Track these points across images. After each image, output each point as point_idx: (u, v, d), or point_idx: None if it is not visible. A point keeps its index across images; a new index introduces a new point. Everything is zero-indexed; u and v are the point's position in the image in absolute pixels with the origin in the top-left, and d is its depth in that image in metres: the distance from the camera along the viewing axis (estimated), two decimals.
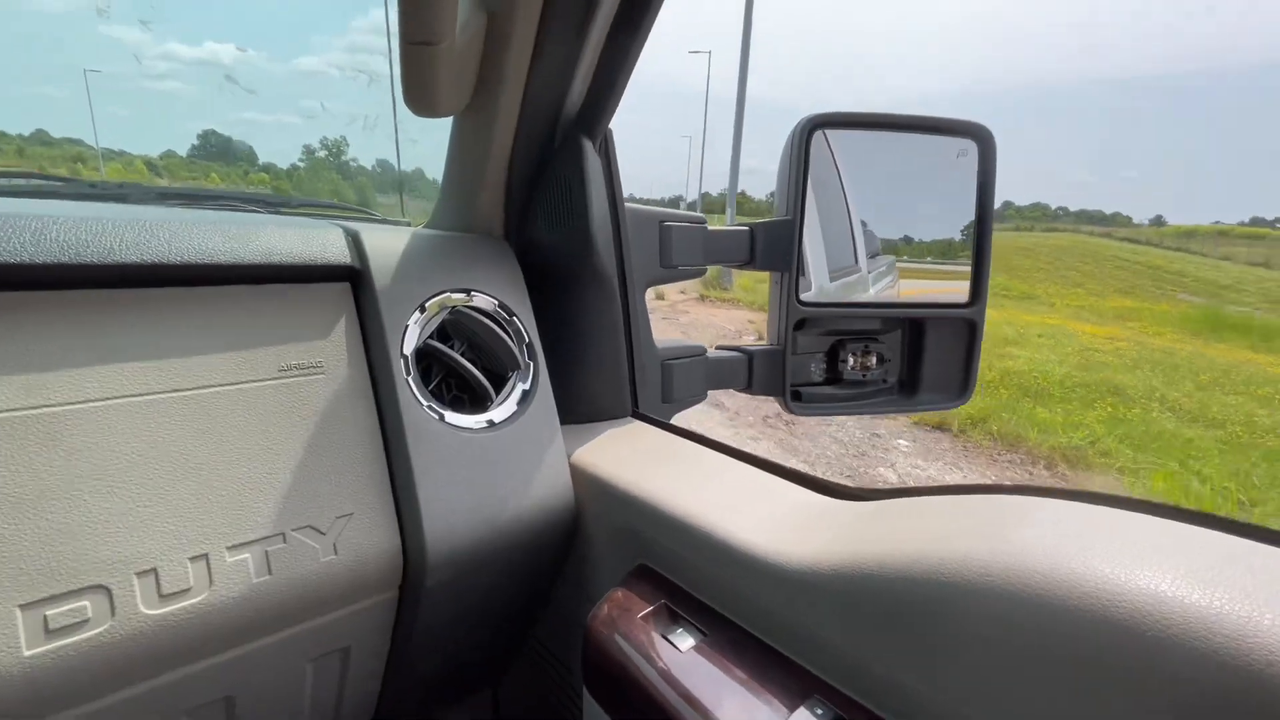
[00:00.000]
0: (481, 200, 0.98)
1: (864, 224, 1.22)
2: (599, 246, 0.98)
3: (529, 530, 0.84)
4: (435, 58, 0.69)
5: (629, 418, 1.08)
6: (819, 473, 4.23)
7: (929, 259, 1.22)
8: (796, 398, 1.23)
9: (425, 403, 0.81)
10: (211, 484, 0.68)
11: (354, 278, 0.83)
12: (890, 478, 4.90)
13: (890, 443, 5.75)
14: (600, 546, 0.87)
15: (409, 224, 1.46)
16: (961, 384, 1.25)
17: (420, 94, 0.74)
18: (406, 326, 0.82)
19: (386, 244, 0.85)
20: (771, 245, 1.17)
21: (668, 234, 1.11)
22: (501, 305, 0.90)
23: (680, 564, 0.74)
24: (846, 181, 1.19)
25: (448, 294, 0.86)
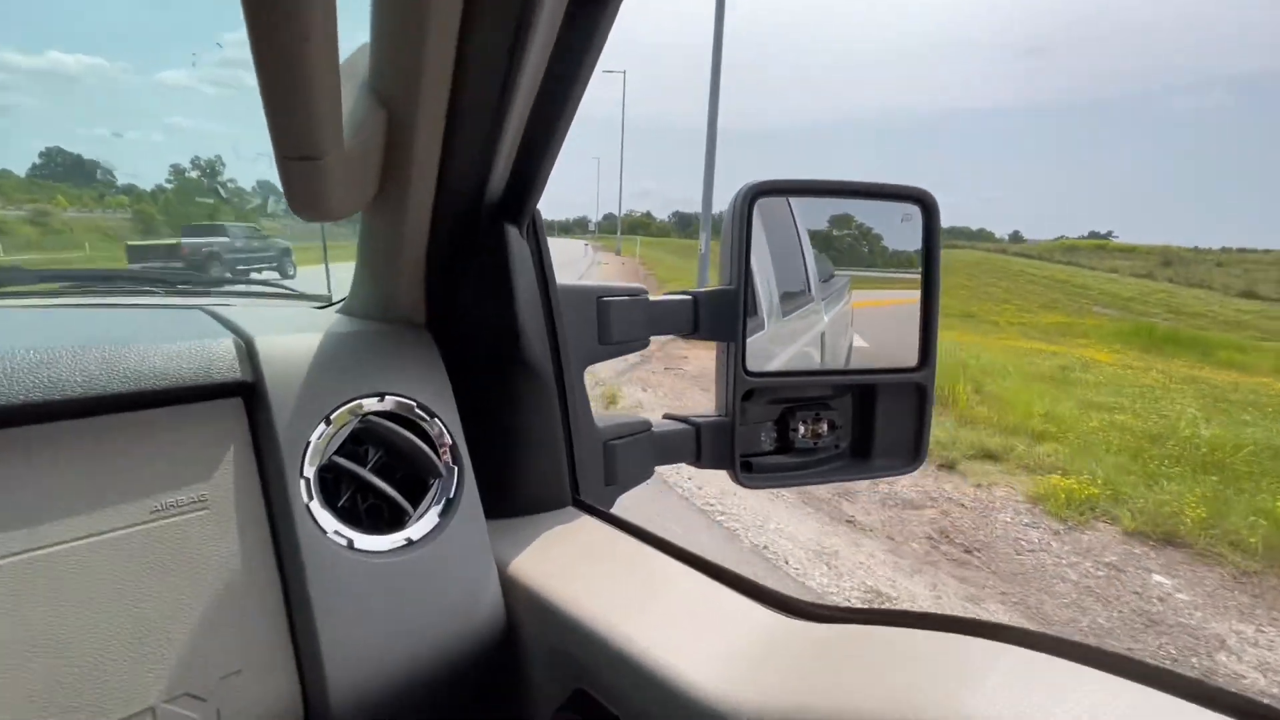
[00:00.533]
0: (399, 288, 0.91)
1: (815, 255, 1.19)
2: (529, 332, 0.91)
3: (455, 660, 0.77)
4: (322, 171, 0.61)
5: (569, 507, 1.01)
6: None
7: (881, 268, 1.20)
8: (747, 468, 1.19)
9: (330, 529, 0.73)
10: (66, 660, 0.60)
11: (247, 392, 0.75)
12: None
13: (1145, 580, 4.16)
14: (536, 668, 0.81)
15: (328, 299, 1.40)
16: (914, 449, 1.22)
17: (309, 203, 0.66)
18: (309, 443, 0.75)
19: (286, 348, 0.78)
20: (715, 315, 1.13)
21: (605, 310, 1.07)
22: (421, 406, 0.83)
23: (620, 695, 0.68)
24: (796, 214, 1.16)
25: (357, 401, 0.79)
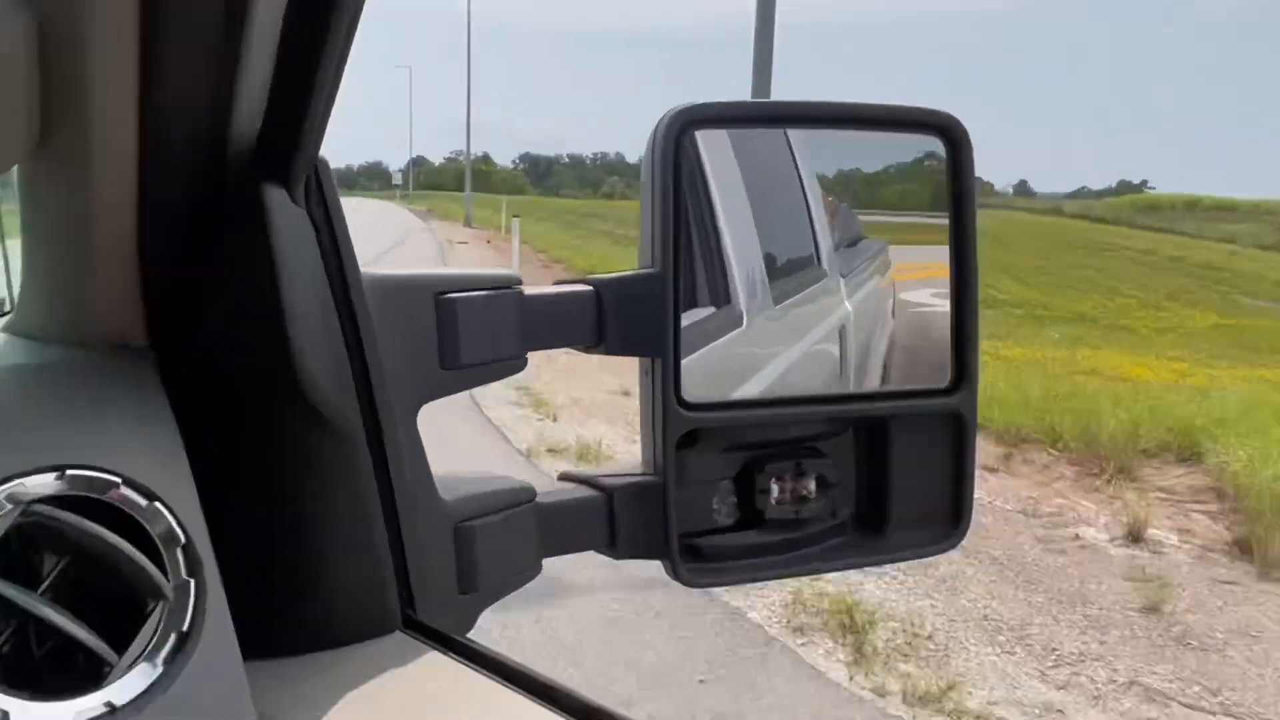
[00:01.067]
0: (96, 289, 0.67)
1: (833, 205, 0.80)
2: (311, 356, 0.61)
3: None
4: None
5: (396, 632, 0.68)
6: None
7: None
8: (693, 554, 0.78)
9: None
10: None
11: None
12: None
13: None
14: None
15: None
16: (951, 513, 0.81)
17: None
18: None
19: None
20: (631, 315, 0.74)
21: (449, 314, 0.68)
22: (131, 484, 0.58)
23: None
24: (797, 150, 0.79)
25: (16, 482, 0.56)
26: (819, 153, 0.80)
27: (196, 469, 0.62)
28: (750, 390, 0.81)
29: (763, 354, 0.84)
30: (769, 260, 0.82)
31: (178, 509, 0.60)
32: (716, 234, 0.77)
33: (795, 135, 0.79)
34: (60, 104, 0.58)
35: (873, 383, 0.84)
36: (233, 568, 0.61)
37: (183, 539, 0.60)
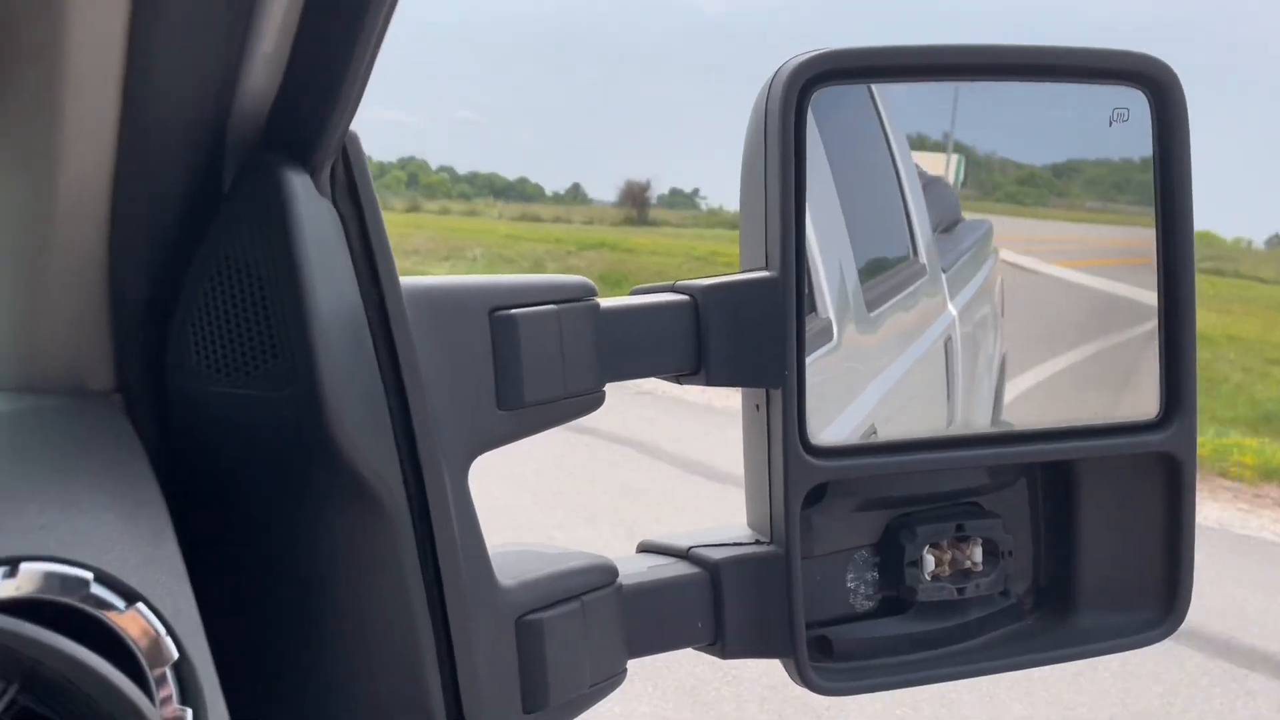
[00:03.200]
0: (51, 321, 0.55)
1: (925, 182, 0.63)
2: (343, 400, 0.47)
3: None
4: None
5: None
6: None
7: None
8: (824, 650, 0.59)
9: None
10: None
11: None
12: None
13: None
14: None
15: None
16: (1164, 588, 0.61)
17: None
18: None
19: None
20: (740, 334, 0.57)
21: (511, 336, 0.53)
22: (106, 580, 0.45)
23: None
24: (885, 114, 0.61)
25: None
26: (935, 109, 0.62)
27: (188, 554, 0.49)
28: (851, 424, 0.63)
29: (863, 376, 0.65)
30: (859, 254, 0.64)
31: (167, 612, 0.48)
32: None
33: (887, 94, 0.61)
34: (12, 61, 0.45)
35: (981, 415, 0.65)
36: (239, 689, 0.49)
37: (175, 654, 0.48)
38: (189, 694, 0.48)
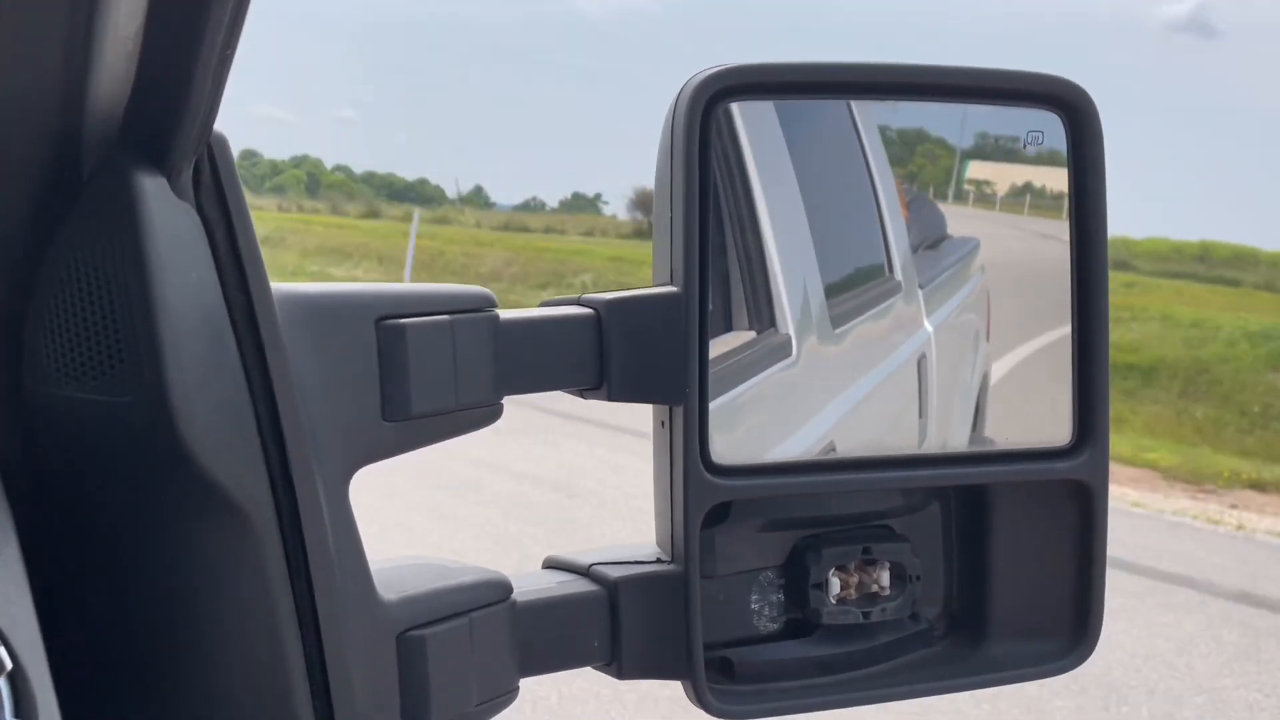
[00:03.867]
0: None
1: (908, 195, 0.62)
2: (193, 401, 0.45)
3: None
4: None
5: None
6: None
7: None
8: (725, 671, 0.58)
9: None
10: None
11: None
12: None
13: None
14: None
15: None
16: (1074, 618, 0.60)
17: None
18: None
19: None
20: (643, 347, 0.56)
21: (397, 344, 0.52)
22: None
23: None
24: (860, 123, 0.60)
25: None
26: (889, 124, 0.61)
27: (32, 563, 0.47)
28: (801, 448, 0.62)
29: (819, 396, 0.64)
30: (825, 269, 0.63)
31: (2, 622, 0.45)
32: (757, 235, 0.58)
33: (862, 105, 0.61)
34: None
35: (962, 437, 0.64)
36: (80, 704, 0.47)
37: (9, 664, 0.45)
38: (22, 706, 0.46)
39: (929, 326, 0.63)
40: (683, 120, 0.54)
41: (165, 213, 0.45)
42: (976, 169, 0.60)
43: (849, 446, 0.62)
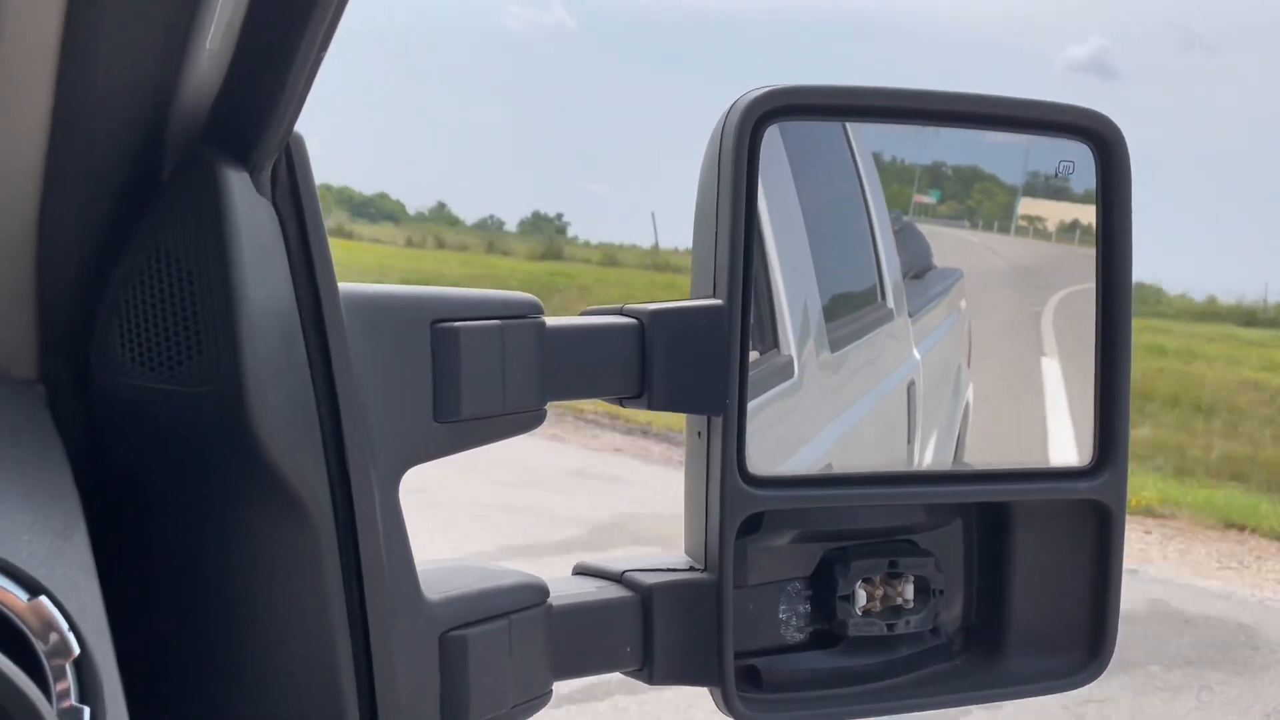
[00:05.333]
0: None
1: (897, 224, 0.64)
2: (272, 402, 0.47)
3: None
4: None
5: None
6: None
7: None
8: (752, 680, 0.60)
9: None
10: None
11: None
12: None
13: None
14: None
15: None
16: (1089, 635, 0.62)
17: None
18: None
19: None
20: (683, 359, 0.57)
21: (450, 347, 0.53)
22: (8, 571, 0.46)
23: None
24: (857, 149, 0.61)
25: None
26: (911, 148, 0.63)
27: (100, 550, 0.50)
28: (807, 458, 0.63)
29: (819, 417, 0.66)
30: (825, 293, 0.65)
31: (71, 607, 0.48)
32: (764, 256, 0.60)
33: (859, 130, 0.63)
34: None
35: (941, 460, 0.66)
36: (142, 691, 0.50)
37: (76, 649, 0.48)
38: (88, 691, 0.48)
39: (917, 354, 0.66)
40: (732, 139, 0.55)
41: (248, 208, 0.47)
42: (1028, 205, 0.62)
43: (844, 467, 0.64)
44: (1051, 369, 0.65)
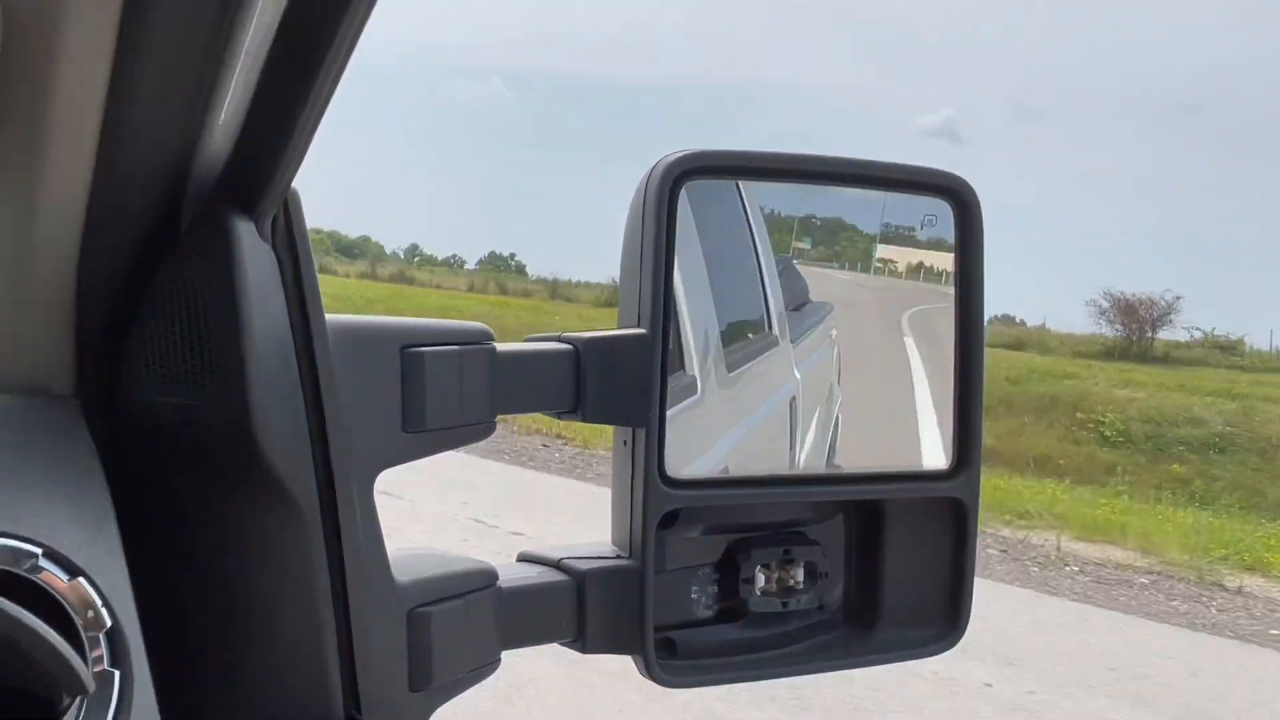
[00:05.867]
0: (21, 331, 0.63)
1: (780, 265, 0.75)
2: (269, 415, 0.55)
3: None
4: None
5: None
6: None
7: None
8: (668, 650, 0.70)
9: None
10: None
11: None
12: None
13: None
14: None
15: None
16: (948, 610, 0.74)
17: None
18: None
19: None
20: (612, 379, 0.67)
21: (415, 369, 0.61)
22: (52, 556, 0.54)
23: None
24: (748, 203, 0.73)
25: None
26: (791, 204, 0.75)
27: (127, 539, 0.57)
28: (708, 464, 0.74)
29: (718, 424, 0.77)
30: (723, 323, 0.76)
31: (104, 586, 0.56)
32: (672, 292, 0.71)
33: (750, 188, 0.74)
34: (14, 90, 0.51)
35: (816, 461, 0.78)
36: (163, 656, 0.57)
37: (108, 622, 0.55)
38: (118, 657, 0.55)
39: (798, 374, 0.77)
40: (654, 193, 0.65)
41: (252, 253, 0.55)
42: (883, 250, 0.74)
43: (740, 470, 0.75)
44: (920, 379, 0.78)
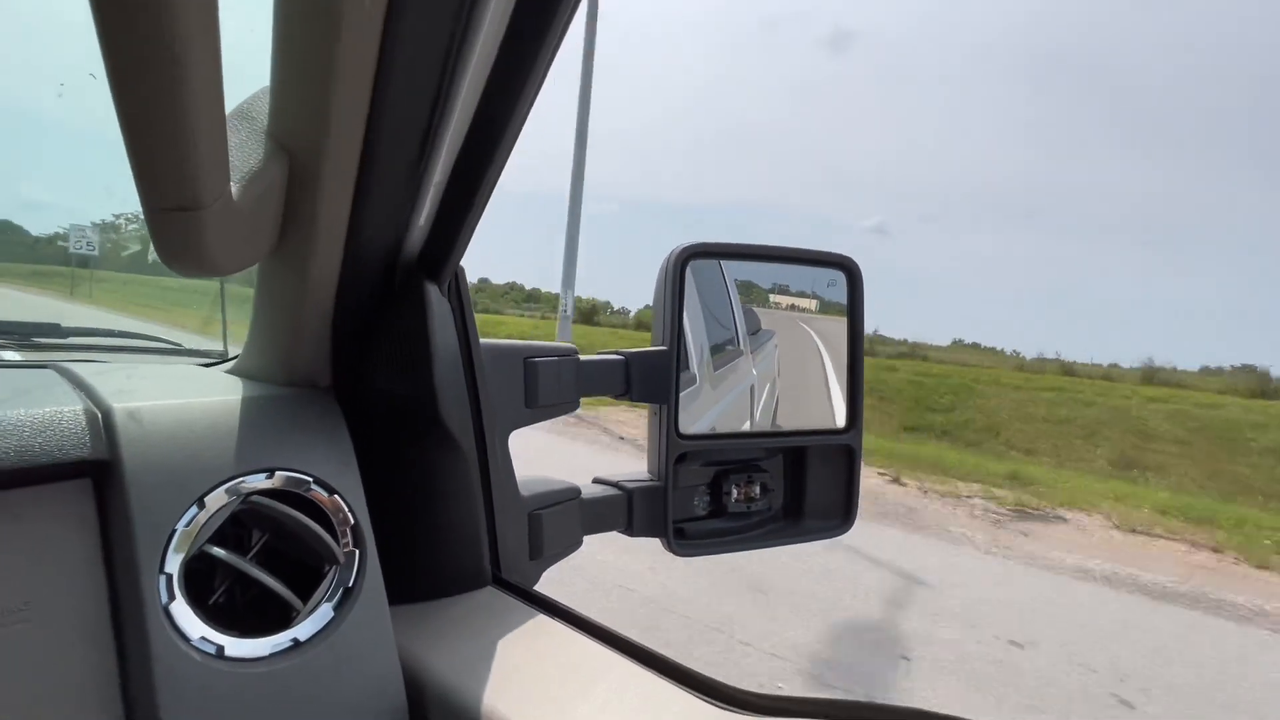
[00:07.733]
0: (301, 347, 0.78)
1: (744, 308, 1.18)
2: (447, 397, 0.79)
3: None
4: (201, 223, 0.53)
5: (489, 587, 0.88)
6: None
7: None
8: (681, 535, 1.15)
9: (195, 635, 0.61)
10: None
11: (99, 472, 0.63)
12: None
13: None
14: None
15: (222, 356, 1.28)
16: (845, 510, 1.21)
17: (186, 257, 0.57)
18: (174, 531, 0.62)
19: (153, 417, 0.66)
20: (647, 376, 1.08)
21: (533, 371, 0.96)
22: (319, 482, 0.71)
23: None
24: (726, 271, 1.16)
25: (239, 479, 0.67)
26: (755, 274, 1.22)
27: (364, 473, 0.74)
28: (702, 425, 1.21)
29: (709, 402, 1.23)
30: (711, 341, 1.20)
31: (350, 500, 0.71)
32: (682, 324, 1.10)
33: (729, 263, 1.20)
34: (291, 219, 0.66)
35: (775, 422, 1.25)
36: (384, 540, 0.74)
37: (352, 521, 0.70)
38: (358, 542, 0.70)
39: (755, 372, 1.20)
40: (672, 266, 1.08)
41: (439, 306, 0.76)
42: (798, 301, 1.22)
43: (722, 428, 1.20)
44: (830, 371, 1.26)
